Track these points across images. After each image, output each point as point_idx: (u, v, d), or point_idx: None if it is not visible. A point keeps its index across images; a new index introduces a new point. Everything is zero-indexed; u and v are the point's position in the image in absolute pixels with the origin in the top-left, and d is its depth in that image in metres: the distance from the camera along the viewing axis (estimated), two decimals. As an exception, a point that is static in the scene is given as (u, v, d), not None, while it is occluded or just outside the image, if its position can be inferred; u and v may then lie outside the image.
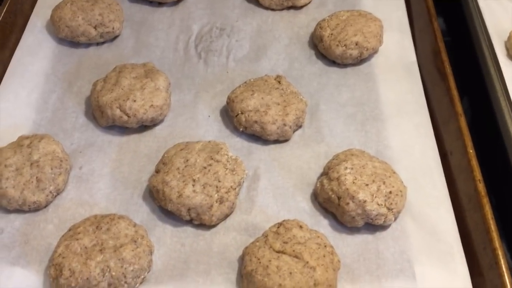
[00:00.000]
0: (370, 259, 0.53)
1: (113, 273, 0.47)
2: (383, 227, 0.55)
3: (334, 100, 0.66)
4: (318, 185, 0.57)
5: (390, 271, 0.52)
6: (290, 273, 0.48)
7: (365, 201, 0.53)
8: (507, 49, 0.70)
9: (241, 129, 0.62)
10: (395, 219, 0.55)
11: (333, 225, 0.55)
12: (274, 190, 0.58)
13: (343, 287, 0.50)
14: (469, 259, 0.52)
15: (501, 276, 0.47)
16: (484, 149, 0.60)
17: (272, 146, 0.62)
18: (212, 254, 0.53)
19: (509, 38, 0.71)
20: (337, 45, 0.68)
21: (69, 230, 0.51)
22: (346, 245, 0.54)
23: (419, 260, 0.52)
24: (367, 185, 0.54)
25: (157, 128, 0.63)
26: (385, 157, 0.60)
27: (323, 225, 0.55)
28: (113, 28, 0.70)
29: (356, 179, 0.54)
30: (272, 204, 0.57)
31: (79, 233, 0.50)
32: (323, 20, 0.71)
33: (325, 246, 0.51)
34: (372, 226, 0.55)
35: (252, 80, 0.65)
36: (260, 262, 0.49)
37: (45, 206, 0.55)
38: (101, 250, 0.48)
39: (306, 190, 0.58)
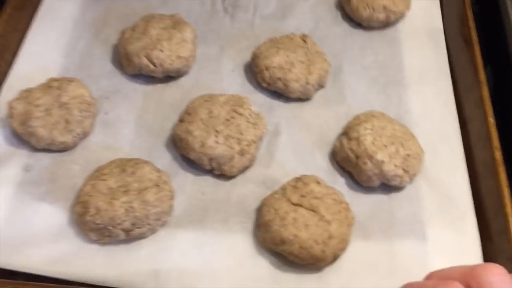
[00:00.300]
0: (383, 218, 0.54)
1: (137, 214, 0.49)
2: (398, 189, 0.56)
3: (358, 62, 0.67)
4: (337, 144, 0.58)
5: (402, 230, 0.53)
6: (306, 225, 0.50)
7: (383, 162, 0.54)
8: (535, 21, 0.70)
9: (264, 85, 0.62)
10: (411, 181, 0.56)
11: (349, 184, 0.57)
12: (293, 146, 0.59)
13: (356, 243, 0.52)
14: (480, 224, 0.53)
15: (509, 241, 0.49)
16: (504, 119, 0.60)
17: (294, 104, 0.63)
18: (230, 203, 0.55)
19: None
20: (365, 8, 0.68)
21: (95, 171, 0.53)
22: (361, 203, 0.55)
23: (431, 222, 0.54)
24: (385, 146, 0.55)
25: (182, 79, 0.64)
26: (405, 121, 0.61)
27: (339, 183, 0.57)
28: (141, -22, 0.71)
29: (375, 139, 0.55)
30: (291, 159, 0.58)
31: (105, 174, 0.52)
32: (353, -19, 0.71)
33: (341, 202, 0.52)
34: (387, 187, 0.56)
35: (277, 37, 0.65)
36: (277, 213, 0.51)
37: (72, 148, 0.57)
38: (125, 191, 0.50)
39: (324, 148, 0.59)
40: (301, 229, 0.49)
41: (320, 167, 0.58)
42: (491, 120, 0.56)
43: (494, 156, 0.54)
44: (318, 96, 0.64)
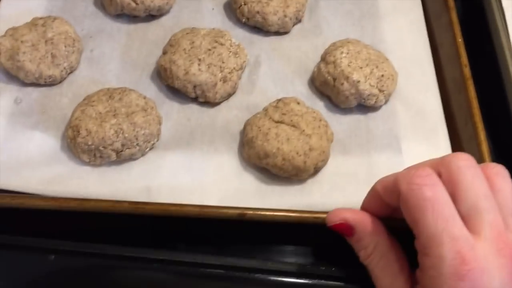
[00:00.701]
0: (360, 135, 0.57)
1: (126, 135, 0.52)
2: (374, 108, 0.59)
3: (333, -3, 0.69)
4: (315, 69, 0.61)
5: (378, 145, 0.56)
6: (288, 139, 0.52)
7: (358, 81, 0.57)
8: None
9: (243, 20, 0.65)
10: (386, 101, 0.59)
11: (328, 106, 0.60)
12: (274, 75, 0.62)
13: (336, 158, 0.55)
14: (451, 134, 0.57)
15: (478, 145, 0.52)
16: (472, 43, 0.63)
17: (273, 38, 0.65)
18: (215, 127, 0.57)
19: None
20: None
21: (84, 99, 0.55)
22: (339, 123, 0.58)
23: (406, 136, 0.57)
24: (361, 68, 0.58)
25: (163, 18, 0.66)
26: (379, 49, 0.63)
27: (319, 106, 0.60)
28: None
29: (351, 62, 0.58)
30: (272, 87, 0.61)
31: (93, 101, 0.54)
32: None
33: (320, 120, 0.55)
34: (364, 107, 0.59)
35: (254, -26, 0.67)
36: (260, 130, 0.53)
37: (60, 82, 0.59)
38: (114, 115, 0.53)
39: (304, 76, 0.62)
40: (283, 142, 0.52)
41: (300, 92, 0.61)
42: (460, 40, 0.59)
43: (463, 73, 0.57)
44: (296, 30, 0.66)
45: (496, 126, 0.59)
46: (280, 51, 0.64)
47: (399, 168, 0.53)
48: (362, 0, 0.69)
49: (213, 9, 0.67)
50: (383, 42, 0.65)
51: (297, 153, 0.52)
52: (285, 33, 0.65)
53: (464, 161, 0.38)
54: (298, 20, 0.66)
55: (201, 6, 0.68)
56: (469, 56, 0.60)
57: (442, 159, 0.39)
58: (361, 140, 0.57)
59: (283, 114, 0.54)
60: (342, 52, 0.59)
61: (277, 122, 0.54)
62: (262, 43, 0.65)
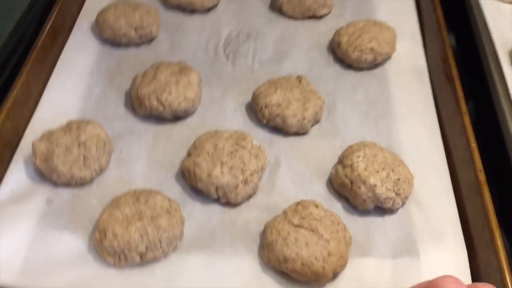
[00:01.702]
0: (378, 238, 0.58)
1: (150, 238, 0.54)
2: (391, 211, 0.61)
3: (350, 99, 0.73)
4: (333, 171, 0.63)
5: (396, 250, 0.57)
6: (307, 244, 0.54)
7: (375, 185, 0.59)
8: (511, 58, 0.76)
9: (264, 121, 0.68)
10: (403, 204, 0.60)
11: (346, 208, 0.61)
12: (293, 175, 0.64)
13: (354, 261, 0.56)
14: (467, 240, 0.58)
15: (496, 252, 0.53)
16: (486, 146, 0.65)
17: (292, 138, 0.68)
18: (236, 229, 0.59)
19: (513, 47, 0.77)
20: (354, 50, 0.74)
21: (112, 201, 0.58)
22: (357, 225, 0.60)
23: (423, 241, 0.58)
24: (377, 171, 0.60)
25: (189, 119, 0.70)
26: (395, 150, 0.66)
27: (337, 208, 0.61)
28: (150, 31, 0.78)
29: (367, 166, 0.60)
30: (291, 187, 0.63)
31: (120, 203, 0.57)
32: (341, 27, 0.78)
33: (338, 223, 0.57)
34: (381, 209, 0.60)
35: (275, 78, 0.71)
36: (280, 234, 0.55)
37: (90, 182, 0.62)
38: (140, 218, 0.55)
39: (322, 177, 0.64)
40: (302, 247, 0.54)
41: (318, 193, 0.63)
42: (474, 145, 0.61)
43: (478, 178, 0.59)
44: (314, 130, 0.69)
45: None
46: (298, 151, 0.67)
47: (418, 276, 0.54)
48: (377, 101, 0.72)
49: (235, 110, 0.71)
50: (399, 144, 0.67)
51: (316, 258, 0.53)
52: (304, 133, 0.68)
53: (452, 284, 0.39)
54: (317, 121, 0.69)
55: (224, 107, 0.71)
56: (483, 159, 0.62)
57: (431, 282, 0.41)
58: (379, 243, 0.58)
59: (302, 218, 0.56)
60: (358, 156, 0.61)
61: (296, 226, 0.56)
62: (281, 143, 0.68)
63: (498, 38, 0.78)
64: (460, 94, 0.67)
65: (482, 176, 0.59)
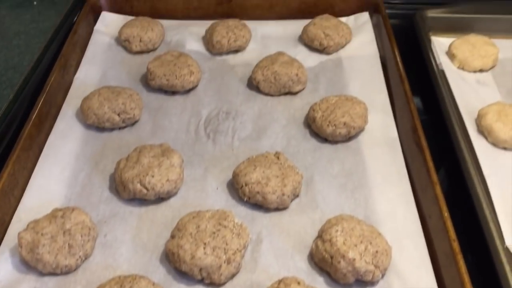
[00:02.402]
0: (361, 311, 0.60)
1: (135, 326, 0.54)
2: (372, 283, 0.62)
3: (327, 172, 0.75)
4: (313, 246, 0.65)
5: (378, 321, 0.58)
6: (290, 323, 0.55)
7: (354, 259, 0.60)
8: (477, 125, 0.81)
9: (245, 199, 0.70)
10: (383, 276, 0.62)
11: (328, 282, 0.63)
12: (275, 251, 0.66)
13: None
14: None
15: (474, 322, 0.54)
16: (458, 213, 0.68)
17: (273, 214, 0.70)
18: (221, 309, 0.60)
19: (478, 116, 0.81)
20: (328, 125, 0.78)
21: (97, 289, 0.59)
22: (339, 299, 0.61)
23: (404, 312, 0.59)
24: (356, 245, 0.62)
25: (172, 199, 0.72)
26: (372, 221, 0.68)
27: (319, 282, 0.63)
28: (134, 115, 0.82)
29: (346, 240, 0.62)
30: (274, 264, 0.64)
31: (105, 291, 0.58)
32: (315, 103, 0.82)
33: (321, 299, 0.58)
34: (362, 282, 0.62)
35: (254, 156, 0.74)
36: (263, 314, 0.56)
37: (75, 269, 0.63)
38: (125, 305, 0.56)
39: (303, 251, 0.66)
40: (285, 327, 0.54)
41: (300, 268, 0.64)
42: (446, 214, 0.64)
43: (452, 247, 0.61)
44: (294, 205, 0.71)
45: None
46: (280, 227, 0.69)
47: None
48: (353, 173, 0.75)
49: (217, 188, 0.74)
50: (375, 214, 0.69)
51: (299, 338, 0.54)
52: (284, 208, 0.71)
53: None
54: (296, 196, 0.72)
55: (206, 186, 0.74)
56: (458, 227, 0.64)
57: None
58: (361, 317, 0.59)
59: (284, 296, 0.57)
60: (337, 230, 0.63)
61: (279, 305, 0.57)
62: (263, 219, 0.70)
63: (464, 106, 0.83)
64: (430, 164, 0.70)
65: (456, 245, 0.61)
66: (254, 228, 0.68)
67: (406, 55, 0.94)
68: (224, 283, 0.62)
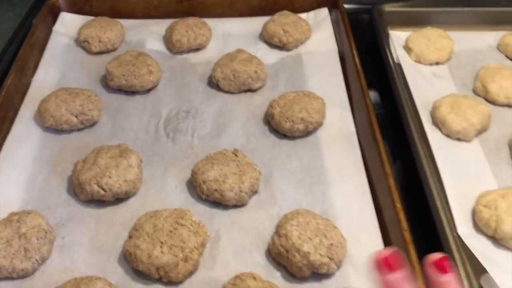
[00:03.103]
0: (317, 304, 0.61)
1: (91, 327, 0.55)
2: (328, 276, 0.63)
3: (285, 168, 0.76)
4: (270, 242, 0.65)
5: (334, 313, 0.60)
6: (244, 317, 0.56)
7: (309, 253, 0.61)
8: (432, 117, 0.82)
9: (203, 197, 0.71)
10: (338, 268, 0.63)
11: (285, 276, 0.64)
12: (233, 248, 0.66)
13: (293, 329, 0.58)
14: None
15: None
16: (413, 204, 0.70)
17: (232, 211, 0.71)
18: (179, 307, 0.60)
19: (432, 108, 0.83)
20: (286, 121, 0.79)
21: (53, 292, 0.59)
22: (297, 293, 0.62)
23: (359, 302, 0.61)
24: (310, 239, 0.63)
25: (131, 199, 0.72)
26: (329, 214, 0.69)
27: (276, 277, 0.64)
28: (92, 116, 0.81)
29: (301, 234, 0.63)
30: (232, 260, 0.65)
31: (61, 294, 0.58)
32: (274, 100, 0.83)
33: (277, 293, 0.59)
34: (319, 275, 0.63)
35: (212, 154, 0.75)
36: (218, 310, 0.57)
37: (32, 273, 0.63)
38: (80, 307, 0.56)
39: (261, 247, 0.67)
40: (240, 322, 0.55)
41: (258, 264, 0.65)
42: (398, 205, 0.65)
43: (404, 237, 0.63)
44: (253, 201, 0.72)
45: None
46: (238, 223, 0.69)
47: None
48: (311, 168, 0.76)
49: (176, 187, 0.74)
50: (332, 208, 0.70)
51: (254, 332, 0.55)
52: (243, 205, 0.71)
53: None
54: (255, 192, 0.73)
55: (165, 185, 0.74)
56: (413, 217, 0.65)
57: None
58: (317, 309, 0.60)
59: (240, 292, 0.58)
60: (292, 225, 0.64)
61: (234, 300, 0.57)
62: (222, 217, 0.70)
63: (419, 99, 0.85)
64: (384, 157, 0.72)
65: (407, 235, 0.62)
66: (213, 225, 0.69)
67: (365, 49, 0.96)
68: (182, 281, 0.63)
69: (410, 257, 0.61)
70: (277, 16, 0.99)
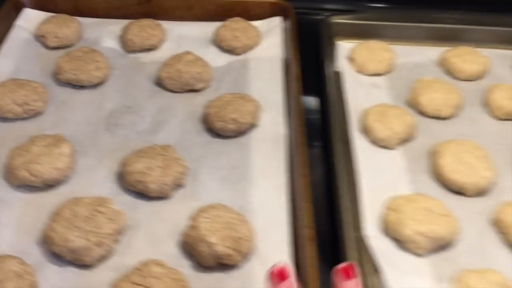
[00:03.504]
0: (220, 293, 0.64)
1: (-4, 301, 0.58)
2: (233, 267, 0.67)
3: (214, 165, 0.80)
4: (183, 232, 0.69)
5: (233, 302, 0.63)
6: (139, 300, 0.59)
7: (214, 244, 0.65)
8: (360, 125, 0.86)
9: (129, 187, 0.75)
10: (245, 260, 0.67)
11: (193, 266, 0.67)
12: (150, 237, 0.70)
13: (192, 315, 0.62)
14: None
15: None
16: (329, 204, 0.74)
17: (155, 202, 0.74)
18: (89, 289, 0.64)
19: (362, 116, 0.87)
20: (218, 121, 0.83)
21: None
22: (202, 281, 0.65)
23: (257, 292, 0.64)
24: (218, 231, 0.66)
25: (61, 187, 0.76)
26: (246, 210, 0.73)
27: (184, 266, 0.67)
28: (36, 106, 0.85)
29: (210, 226, 0.66)
30: (146, 249, 0.68)
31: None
32: (211, 101, 0.87)
33: (180, 280, 0.62)
34: (224, 266, 0.66)
35: (143, 148, 0.79)
36: (119, 292, 0.60)
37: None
38: (-12, 284, 0.60)
39: (176, 238, 0.70)
40: (133, 302, 0.59)
41: (170, 253, 0.68)
42: (304, 204, 0.69)
43: (307, 234, 0.66)
44: (177, 194, 0.76)
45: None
46: (159, 214, 0.73)
47: None
48: (237, 167, 0.80)
49: (106, 177, 0.78)
50: (249, 204, 0.74)
51: (147, 313, 0.58)
52: (166, 197, 0.75)
53: None
54: (179, 186, 0.76)
55: (96, 175, 0.78)
56: (325, 217, 0.69)
57: None
58: (219, 298, 0.64)
59: (142, 276, 0.61)
60: (203, 217, 0.68)
61: (134, 283, 0.61)
62: (145, 207, 0.74)
63: (354, 106, 0.89)
64: (303, 158, 0.75)
65: (310, 232, 0.66)
66: (135, 215, 0.72)
67: (312, 58, 1.00)
68: (94, 265, 0.66)
69: (309, 252, 0.64)
70: (228, 22, 1.03)
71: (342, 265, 0.51)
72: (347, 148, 0.81)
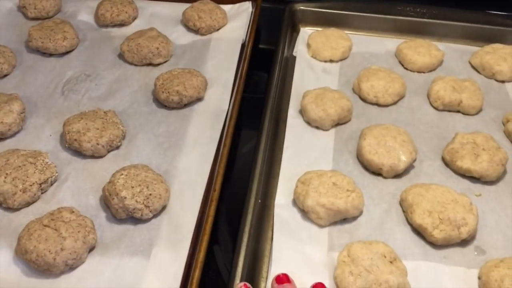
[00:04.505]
0: (123, 242, 0.69)
1: None
2: (143, 221, 0.72)
3: (152, 132, 0.85)
4: (103, 187, 0.75)
5: (133, 251, 0.68)
6: (46, 239, 0.65)
7: (125, 198, 0.70)
8: (301, 107, 0.89)
9: (66, 145, 0.81)
10: (153, 216, 0.72)
11: (108, 217, 0.72)
12: (74, 190, 0.76)
13: (95, 259, 0.67)
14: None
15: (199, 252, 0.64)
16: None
17: (89, 160, 0.80)
18: (10, 228, 0.70)
19: (302, 97, 0.90)
20: (163, 92, 0.88)
21: None
22: (112, 231, 0.71)
23: (158, 245, 0.69)
24: (132, 187, 0.71)
25: (7, 140, 0.82)
26: (170, 174, 0.78)
27: (100, 217, 0.72)
28: (1, 69, 0.93)
29: (126, 182, 0.72)
30: (68, 199, 0.74)
31: None
32: (161, 74, 0.92)
33: (86, 226, 0.68)
34: (135, 219, 0.71)
35: (86, 111, 0.85)
36: (28, 231, 0.66)
37: None
38: None
39: (99, 192, 0.76)
40: (41, 242, 0.65)
41: (89, 205, 0.74)
42: (220, 171, 0.74)
43: (211, 196, 0.71)
44: (111, 155, 0.81)
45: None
46: (89, 171, 0.79)
47: (142, 275, 0.65)
48: (174, 135, 0.85)
49: (50, 135, 0.84)
50: (175, 169, 0.79)
51: (49, 251, 0.64)
52: (100, 157, 0.81)
53: None
54: (115, 147, 0.82)
55: (42, 133, 0.84)
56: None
57: None
58: (122, 246, 0.69)
59: (53, 220, 0.67)
60: (121, 174, 0.73)
61: (45, 226, 0.67)
62: (78, 164, 0.80)
63: (298, 89, 0.92)
64: (230, 130, 0.80)
65: (214, 194, 0.71)
66: (67, 170, 0.78)
67: (275, 43, 1.04)
68: (18, 209, 0.73)
69: (209, 211, 0.69)
70: (197, 3, 1.08)
71: (278, 274, 0.62)
72: (280, 126, 0.84)
